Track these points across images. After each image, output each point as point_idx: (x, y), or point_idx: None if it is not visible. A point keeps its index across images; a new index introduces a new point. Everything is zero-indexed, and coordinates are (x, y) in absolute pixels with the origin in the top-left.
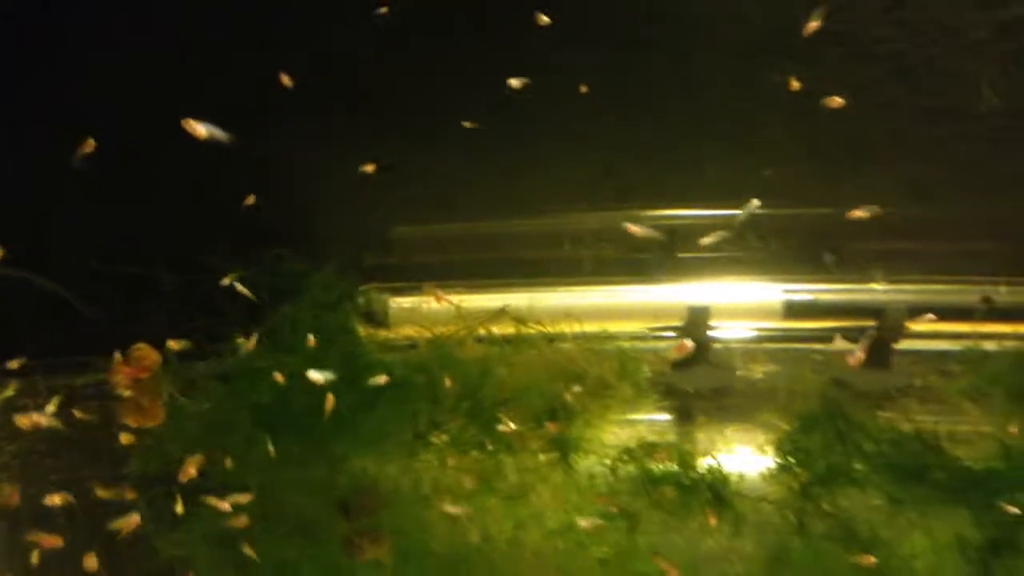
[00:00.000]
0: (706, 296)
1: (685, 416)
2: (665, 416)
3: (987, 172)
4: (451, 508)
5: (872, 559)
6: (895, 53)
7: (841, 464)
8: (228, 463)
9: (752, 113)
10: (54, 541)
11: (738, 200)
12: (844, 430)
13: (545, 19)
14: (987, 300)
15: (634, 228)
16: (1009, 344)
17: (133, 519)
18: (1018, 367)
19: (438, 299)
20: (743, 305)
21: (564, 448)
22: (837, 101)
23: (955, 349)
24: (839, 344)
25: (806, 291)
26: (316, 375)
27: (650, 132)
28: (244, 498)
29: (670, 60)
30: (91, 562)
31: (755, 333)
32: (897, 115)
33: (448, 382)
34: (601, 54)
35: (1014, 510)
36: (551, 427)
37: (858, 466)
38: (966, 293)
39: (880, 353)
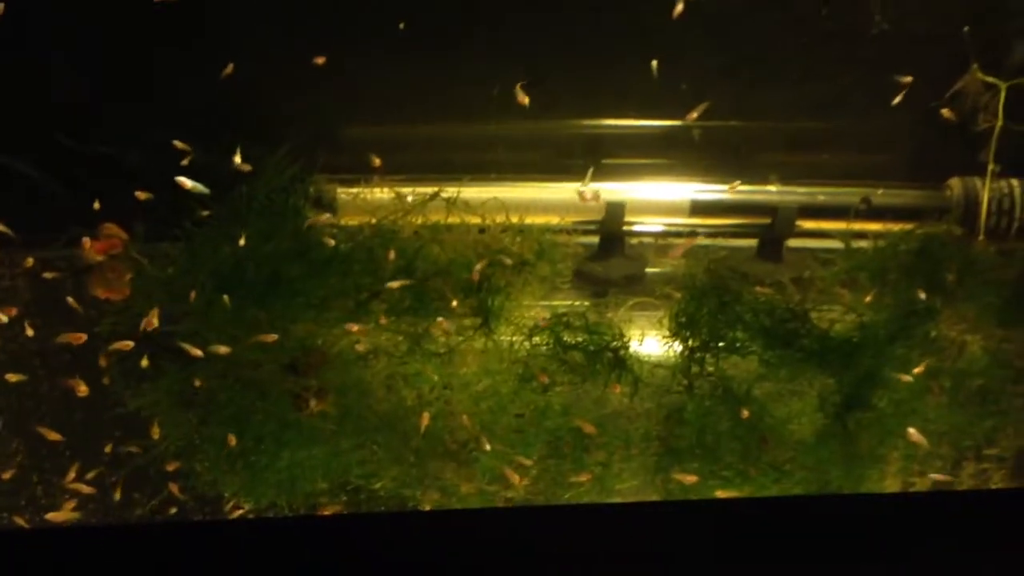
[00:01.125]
0: (622, 195)
1: (598, 297)
2: (581, 299)
3: (875, 90)
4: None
5: (746, 413)
6: None
7: (723, 332)
8: (190, 324)
9: (672, 33)
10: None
11: (656, 111)
12: (726, 301)
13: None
14: (866, 201)
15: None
16: (880, 240)
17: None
18: (882, 256)
19: (381, 189)
20: (655, 203)
21: (487, 316)
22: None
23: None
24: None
25: (710, 192)
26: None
27: (579, 48)
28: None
29: None
30: (82, 388)
31: (664, 228)
32: (799, 36)
33: (388, 256)
34: None
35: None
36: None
37: (738, 334)
38: (849, 196)
39: (773, 248)
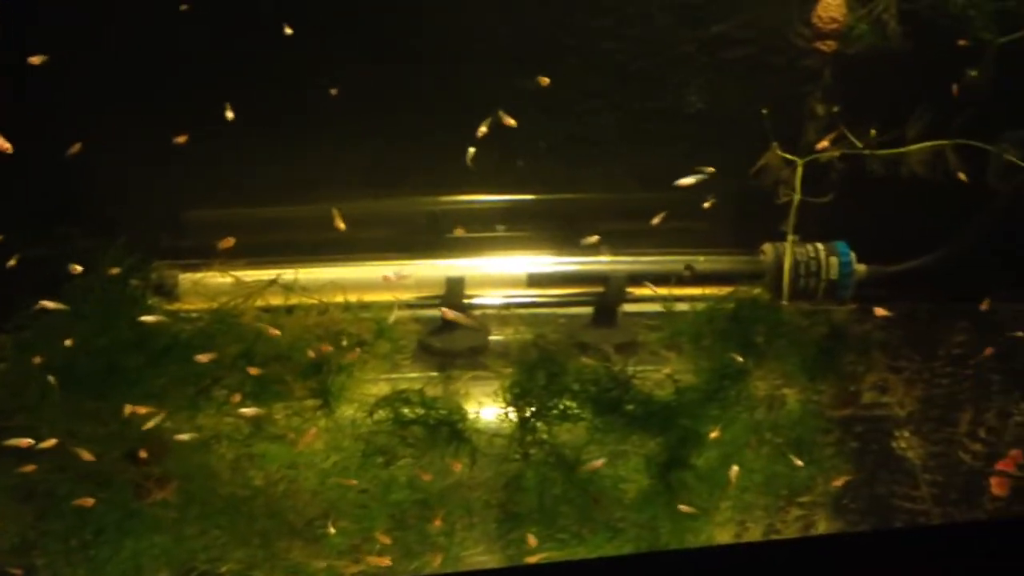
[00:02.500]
0: (461, 269)
1: (442, 371)
2: (425, 372)
3: (694, 164)
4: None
5: (585, 470)
6: (618, 64)
7: (554, 401)
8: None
9: (505, 113)
10: None
11: (495, 186)
12: (556, 373)
13: None
14: (689, 268)
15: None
16: (699, 304)
17: None
18: (699, 320)
19: (223, 274)
20: (494, 276)
21: (327, 397)
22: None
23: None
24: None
25: (546, 264)
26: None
27: (419, 129)
28: (44, 444)
29: (437, 65)
30: None
31: (505, 300)
32: (622, 115)
33: (227, 343)
34: (375, 62)
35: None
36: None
37: (568, 403)
38: (675, 263)
39: (607, 314)
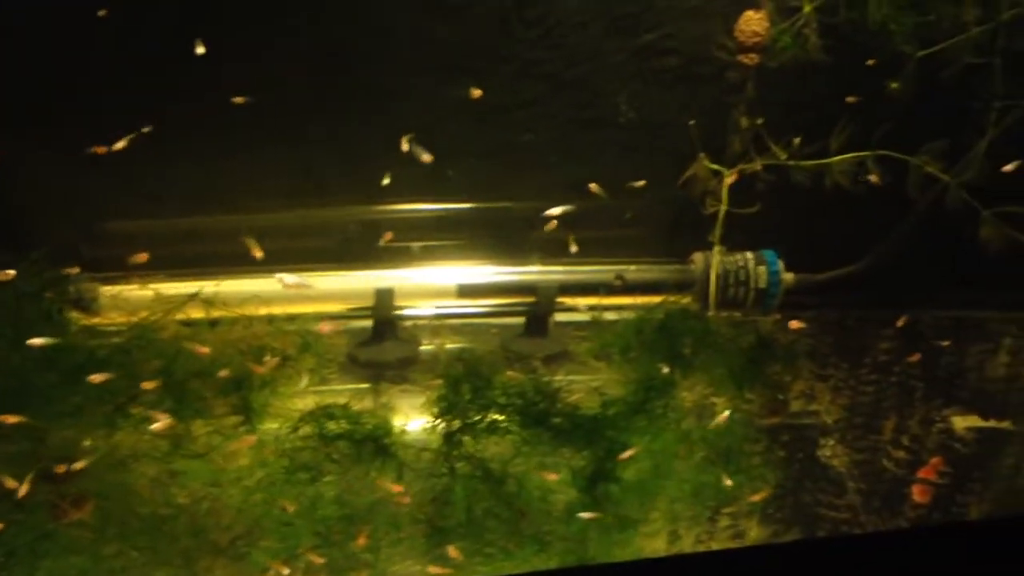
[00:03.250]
0: (391, 280)
1: (372, 383)
2: (354, 384)
3: (627, 173)
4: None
5: (554, 476)
6: (552, 73)
7: (480, 415)
8: None
9: (438, 122)
10: None
11: (427, 195)
12: (480, 387)
13: None
14: (620, 278)
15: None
16: (625, 315)
17: None
18: (629, 331)
19: (143, 287)
20: (424, 287)
21: (249, 413)
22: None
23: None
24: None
25: (476, 274)
26: None
27: (349, 138)
28: None
29: (368, 74)
30: None
31: (436, 311)
32: (556, 124)
33: (146, 359)
34: (306, 69)
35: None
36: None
37: (495, 416)
38: (606, 273)
39: (538, 324)
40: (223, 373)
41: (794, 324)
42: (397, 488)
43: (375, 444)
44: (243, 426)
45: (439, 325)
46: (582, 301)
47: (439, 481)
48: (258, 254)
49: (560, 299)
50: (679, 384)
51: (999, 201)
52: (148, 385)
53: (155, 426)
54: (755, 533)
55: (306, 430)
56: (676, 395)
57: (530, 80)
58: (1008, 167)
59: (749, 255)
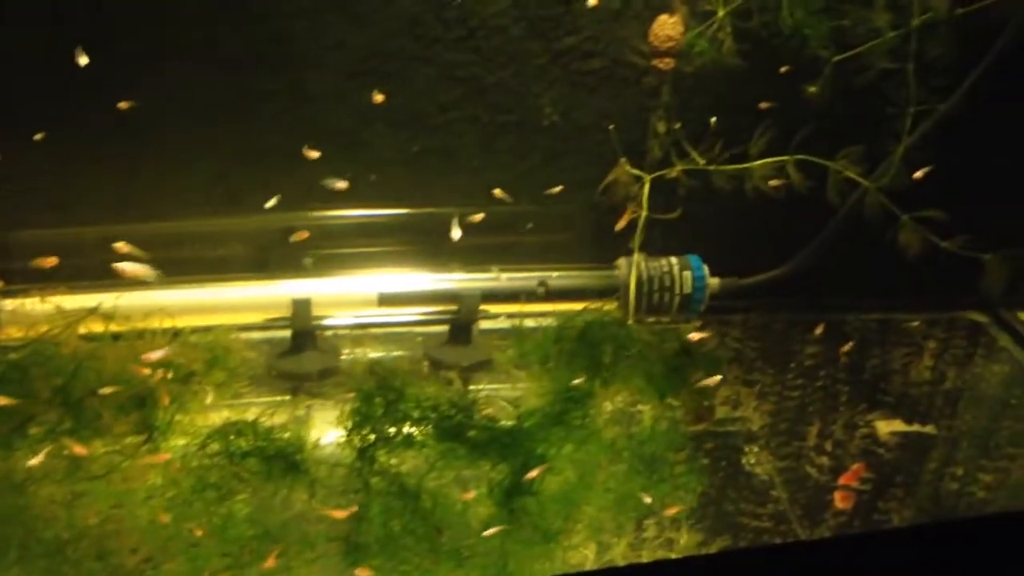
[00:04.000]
0: (308, 290)
1: (291, 395)
2: (271, 398)
3: (550, 176)
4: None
5: (471, 495)
6: (473, 76)
7: (395, 429)
8: None
9: (356, 127)
10: None
11: (348, 201)
12: (393, 400)
13: None
14: (543, 284)
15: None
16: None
17: None
18: (549, 340)
19: (43, 300)
20: (344, 296)
21: (152, 432)
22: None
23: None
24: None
25: (398, 282)
26: None
27: (264, 143)
28: None
29: (281, 80)
30: None
31: (357, 320)
32: (478, 128)
33: (43, 377)
34: (219, 73)
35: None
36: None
37: (410, 430)
38: (530, 280)
39: (462, 332)
40: (121, 390)
41: (695, 336)
42: (339, 513)
43: (286, 461)
44: (147, 445)
45: (362, 335)
46: (506, 308)
47: (353, 498)
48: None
49: (484, 307)
50: (599, 393)
51: (918, 205)
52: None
53: (41, 456)
54: (684, 540)
55: (214, 447)
56: (596, 404)
57: (450, 83)
58: (918, 174)
59: (674, 260)
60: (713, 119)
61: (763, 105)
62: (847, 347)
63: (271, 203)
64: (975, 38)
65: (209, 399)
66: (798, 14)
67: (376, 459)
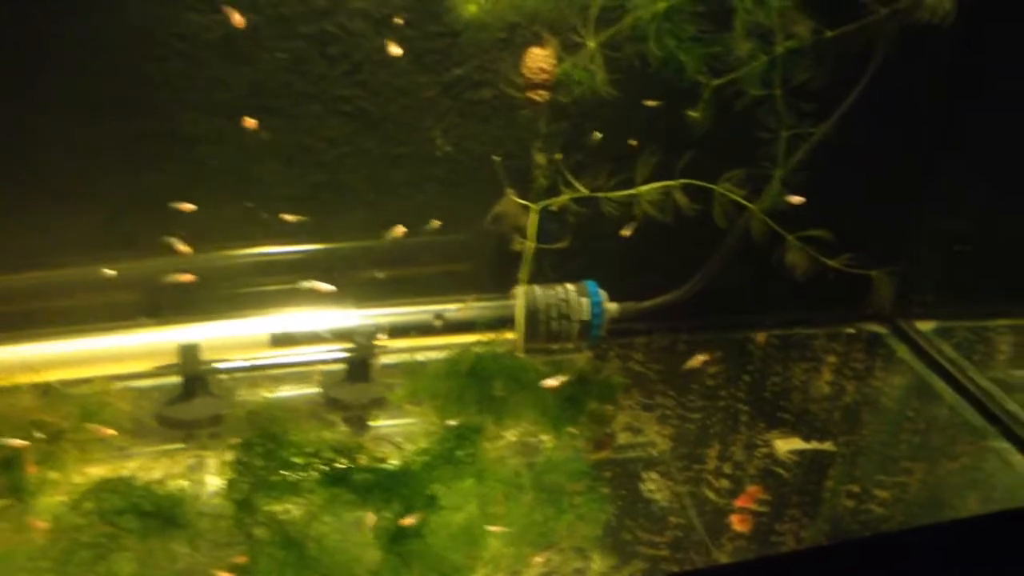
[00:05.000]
0: (196, 334)
1: (180, 444)
2: (157, 448)
3: (446, 207)
4: None
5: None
6: (362, 110)
7: (278, 477)
8: None
9: (243, 165)
10: None
11: (240, 242)
12: (271, 448)
13: None
14: (440, 317)
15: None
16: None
17: None
18: (440, 375)
19: None
20: (235, 339)
21: (20, 493)
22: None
23: (422, 360)
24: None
25: (290, 321)
26: None
27: (157, 185)
28: None
29: (160, 121)
30: None
31: (250, 363)
32: (371, 162)
33: None
34: (98, 118)
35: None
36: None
37: (293, 476)
38: (426, 313)
39: (360, 369)
40: None
41: (550, 384)
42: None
43: (163, 515)
44: (16, 506)
45: (259, 376)
46: (402, 343)
47: (238, 549)
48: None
49: (380, 342)
50: (492, 427)
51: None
52: None
53: None
54: (596, 567)
55: (87, 506)
56: (488, 439)
57: (339, 118)
58: (795, 199)
59: (570, 287)
60: (634, 142)
61: (632, 142)
62: (698, 361)
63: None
64: (845, 61)
65: (85, 454)
66: (670, 43)
67: (259, 508)
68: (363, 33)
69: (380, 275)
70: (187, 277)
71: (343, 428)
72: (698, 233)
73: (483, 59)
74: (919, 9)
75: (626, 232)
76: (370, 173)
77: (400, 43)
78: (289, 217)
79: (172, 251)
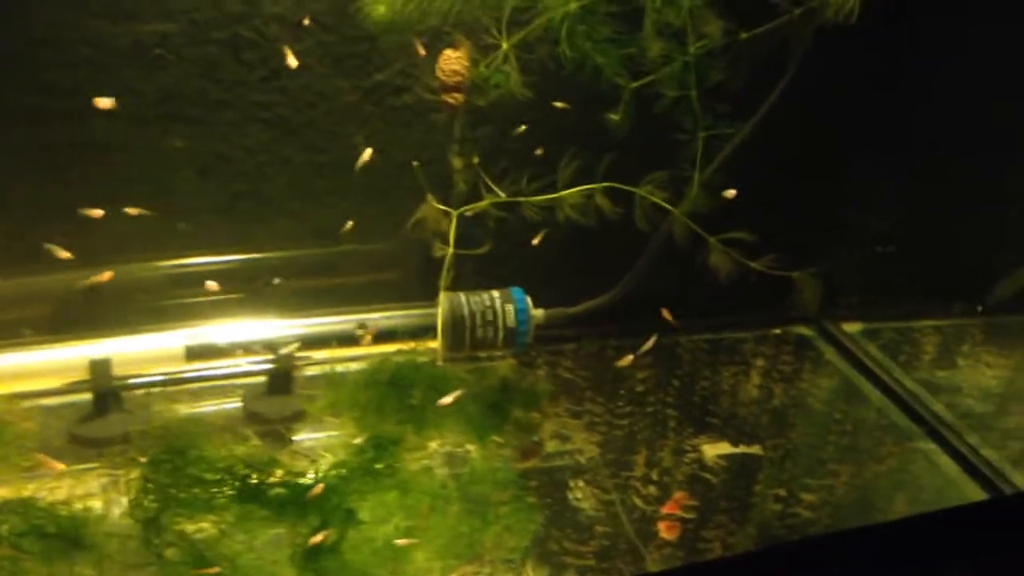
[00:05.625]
0: (108, 349)
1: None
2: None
3: (371, 214)
4: None
5: (215, 570)
6: (281, 117)
7: (188, 495)
8: None
9: (157, 174)
10: None
11: (158, 252)
12: (179, 466)
13: None
14: (363, 327)
15: None
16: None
17: None
18: (359, 386)
19: None
20: (148, 353)
21: None
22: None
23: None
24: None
25: (207, 334)
26: None
27: (66, 196)
28: None
29: (71, 128)
30: None
31: (166, 377)
32: (293, 170)
33: None
34: (3, 128)
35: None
36: None
37: (205, 492)
38: (350, 322)
39: (281, 381)
40: None
41: (445, 402)
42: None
43: (67, 537)
44: None
45: (176, 392)
46: (324, 354)
47: (146, 571)
48: None
49: (302, 353)
50: (413, 438)
51: (727, 227)
52: None
53: None
54: None
55: None
56: (410, 450)
57: (257, 125)
58: (729, 193)
59: (495, 293)
60: (540, 151)
61: (538, 151)
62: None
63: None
64: (763, 62)
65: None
66: (585, 45)
67: (169, 527)
68: (280, 38)
69: (286, 283)
70: (106, 275)
71: (259, 442)
72: (625, 237)
73: (405, 63)
74: (826, 7)
75: (536, 241)
76: (292, 181)
77: (318, 48)
78: (132, 210)
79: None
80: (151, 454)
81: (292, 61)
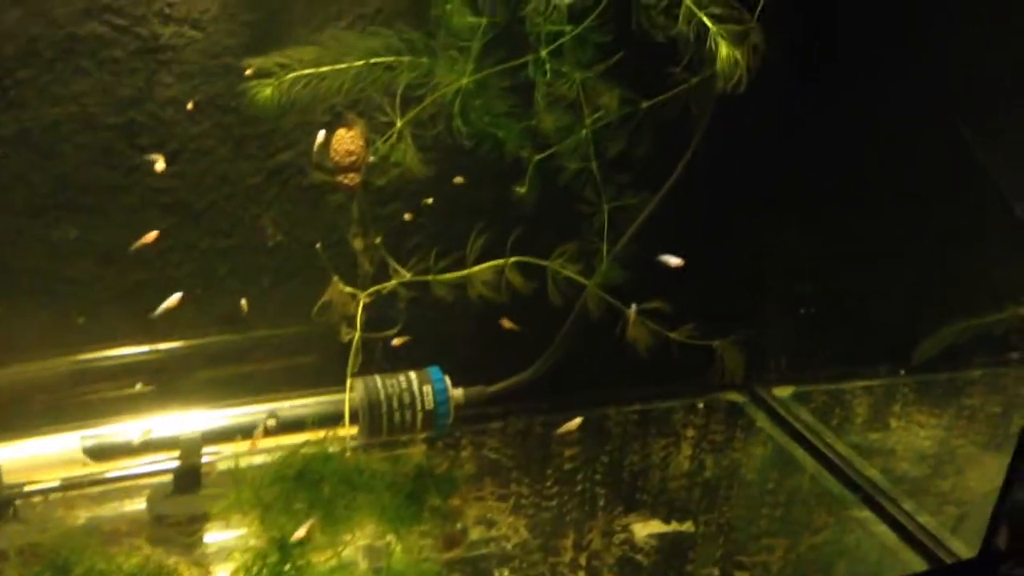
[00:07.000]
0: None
1: None
2: None
3: (280, 299)
4: None
5: None
6: (182, 202)
7: None
8: None
9: (51, 265)
10: None
11: (56, 347)
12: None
13: None
14: (273, 416)
15: None
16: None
17: None
18: (266, 481)
19: None
20: (42, 457)
21: None
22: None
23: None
24: None
25: (105, 432)
26: None
27: None
28: None
29: None
30: None
31: (62, 483)
32: (196, 256)
33: None
34: None
35: None
36: None
37: None
38: (259, 413)
39: (187, 479)
40: None
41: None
42: None
43: None
44: None
45: (75, 496)
46: (231, 447)
47: None
48: None
49: (208, 448)
50: (319, 536)
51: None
52: None
53: None
54: None
55: None
56: (321, 548)
57: (157, 211)
58: (673, 261)
59: (412, 375)
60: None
61: (407, 216)
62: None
63: None
64: (667, 129)
65: None
66: (483, 119)
67: None
68: (176, 121)
69: (208, 376)
70: None
71: (159, 549)
72: (545, 310)
73: (307, 143)
74: (716, 78)
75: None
76: (196, 268)
77: (218, 129)
78: None
79: None
80: (31, 571)
81: (160, 165)
